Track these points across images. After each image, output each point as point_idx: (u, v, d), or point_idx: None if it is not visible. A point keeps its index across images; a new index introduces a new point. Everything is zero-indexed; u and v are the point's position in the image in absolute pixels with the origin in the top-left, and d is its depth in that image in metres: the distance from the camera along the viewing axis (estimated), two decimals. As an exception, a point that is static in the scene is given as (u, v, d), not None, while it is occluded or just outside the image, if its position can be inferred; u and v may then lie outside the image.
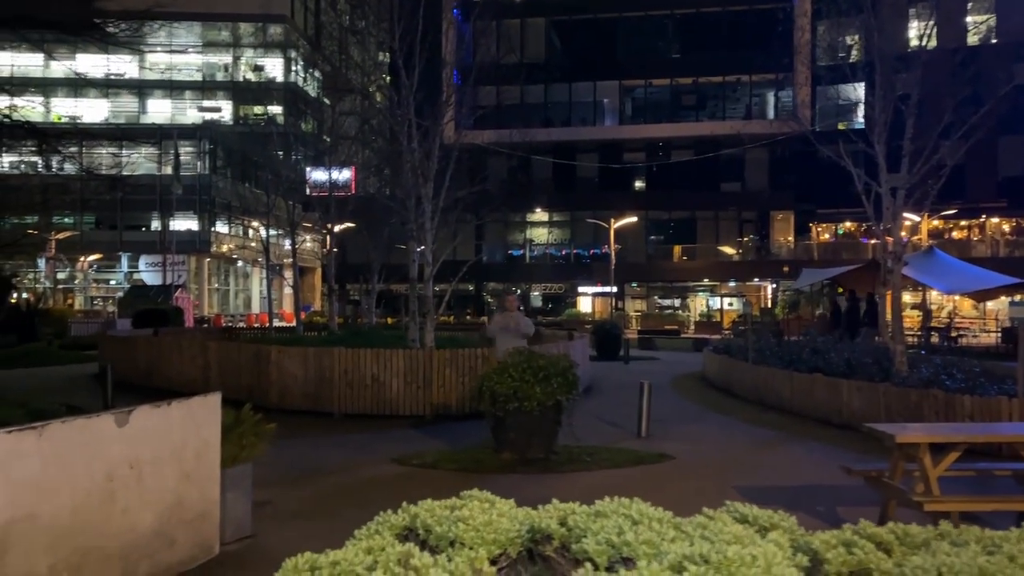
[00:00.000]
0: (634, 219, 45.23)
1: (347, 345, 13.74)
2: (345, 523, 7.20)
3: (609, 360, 22.75)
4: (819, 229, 50.47)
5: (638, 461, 9.04)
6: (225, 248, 53.67)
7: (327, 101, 26.06)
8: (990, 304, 38.92)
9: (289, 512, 7.09)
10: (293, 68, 54.20)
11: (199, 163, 52.56)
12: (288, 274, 50.51)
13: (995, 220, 46.15)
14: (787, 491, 7.69)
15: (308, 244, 52.23)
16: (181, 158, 46.19)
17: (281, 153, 24.43)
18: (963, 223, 47.45)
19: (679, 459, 9.20)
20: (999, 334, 30.74)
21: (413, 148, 14.49)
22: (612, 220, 42.99)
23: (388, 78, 22.17)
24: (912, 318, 45.52)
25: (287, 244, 40.23)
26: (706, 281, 49.47)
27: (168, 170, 48.70)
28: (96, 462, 4.71)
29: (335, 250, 21.49)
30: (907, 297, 40.00)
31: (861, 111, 49.79)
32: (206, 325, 41.42)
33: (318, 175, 28.00)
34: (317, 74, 30.63)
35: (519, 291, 50.07)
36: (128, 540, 4.94)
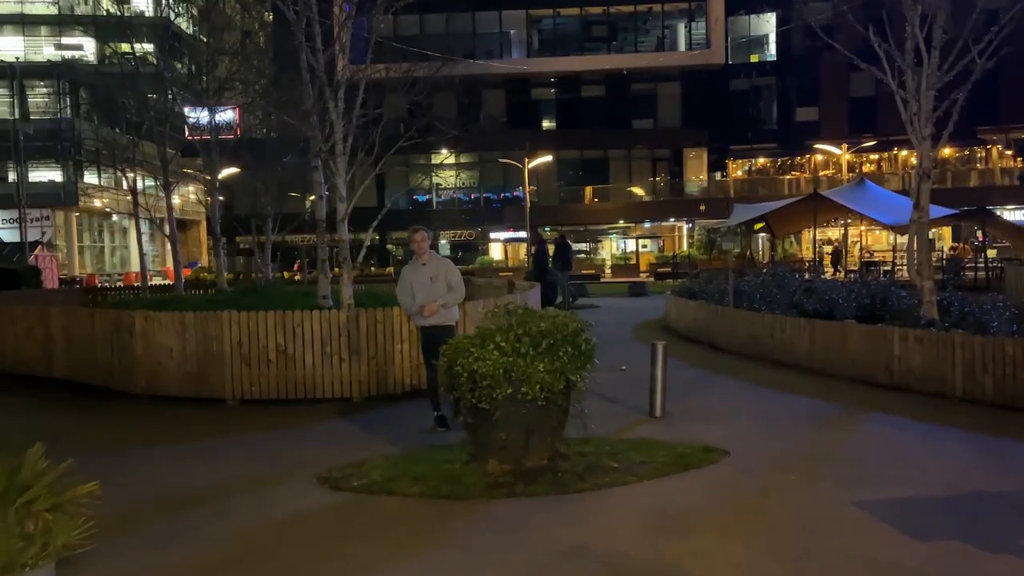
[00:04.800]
0: (548, 158, 42.28)
1: (239, 306, 10.25)
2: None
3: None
4: (733, 166, 49.06)
5: (683, 462, 6.24)
6: (97, 202, 47.82)
7: (204, 38, 22.50)
8: (900, 238, 38.26)
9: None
10: (164, 2, 48.14)
11: (59, 106, 46.28)
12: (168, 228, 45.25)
13: (904, 153, 45.68)
14: (938, 509, 5.06)
15: (192, 196, 47.05)
16: (36, 99, 40.42)
17: (155, 96, 20.68)
18: (874, 156, 46.89)
19: (734, 455, 6.48)
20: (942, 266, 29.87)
21: (318, 48, 11.13)
22: (526, 160, 39.94)
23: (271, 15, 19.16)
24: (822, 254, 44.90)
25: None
26: (621, 223, 47.25)
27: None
28: None
29: (220, 198, 18.09)
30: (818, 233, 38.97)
31: (772, 42, 48.42)
32: (79, 286, 36.66)
33: (198, 117, 24.17)
34: (193, 9, 26.57)
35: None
36: None
